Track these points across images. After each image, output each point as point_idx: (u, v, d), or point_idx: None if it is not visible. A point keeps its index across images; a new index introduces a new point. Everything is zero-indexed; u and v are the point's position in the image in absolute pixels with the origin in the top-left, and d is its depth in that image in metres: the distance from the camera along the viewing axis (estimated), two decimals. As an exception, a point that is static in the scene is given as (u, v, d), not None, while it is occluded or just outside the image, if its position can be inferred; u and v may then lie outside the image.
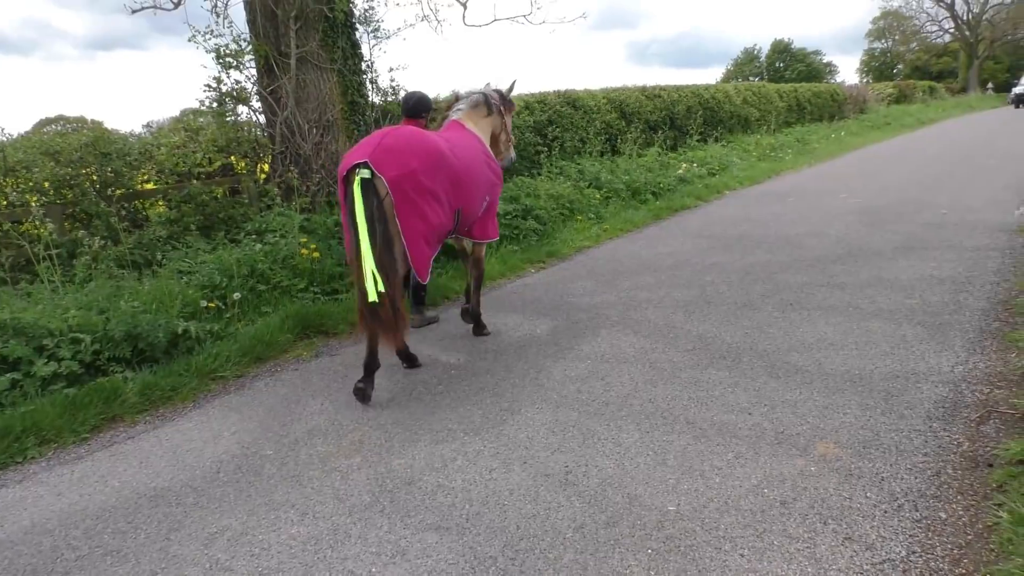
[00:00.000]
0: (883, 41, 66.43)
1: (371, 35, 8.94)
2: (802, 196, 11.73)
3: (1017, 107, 37.80)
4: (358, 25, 8.71)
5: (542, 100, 12.28)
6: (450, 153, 4.82)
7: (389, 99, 9.23)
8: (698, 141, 16.40)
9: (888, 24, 63.17)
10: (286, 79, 8.06)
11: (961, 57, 58.56)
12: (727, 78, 63.55)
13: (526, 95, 12.38)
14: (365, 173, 4.41)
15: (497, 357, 5.21)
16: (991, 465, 3.21)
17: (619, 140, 13.61)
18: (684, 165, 13.40)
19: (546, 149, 11.44)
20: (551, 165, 11.21)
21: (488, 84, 6.02)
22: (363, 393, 4.56)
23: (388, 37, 9.03)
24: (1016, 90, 39.48)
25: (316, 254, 6.73)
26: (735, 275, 6.96)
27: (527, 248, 8.52)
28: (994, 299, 5.51)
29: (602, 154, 12.90)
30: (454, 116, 5.61)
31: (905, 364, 4.41)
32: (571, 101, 12.81)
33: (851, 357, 4.60)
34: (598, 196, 10.68)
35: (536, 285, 7.32)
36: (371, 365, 4.61)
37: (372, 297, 4.27)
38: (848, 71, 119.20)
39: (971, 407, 3.79)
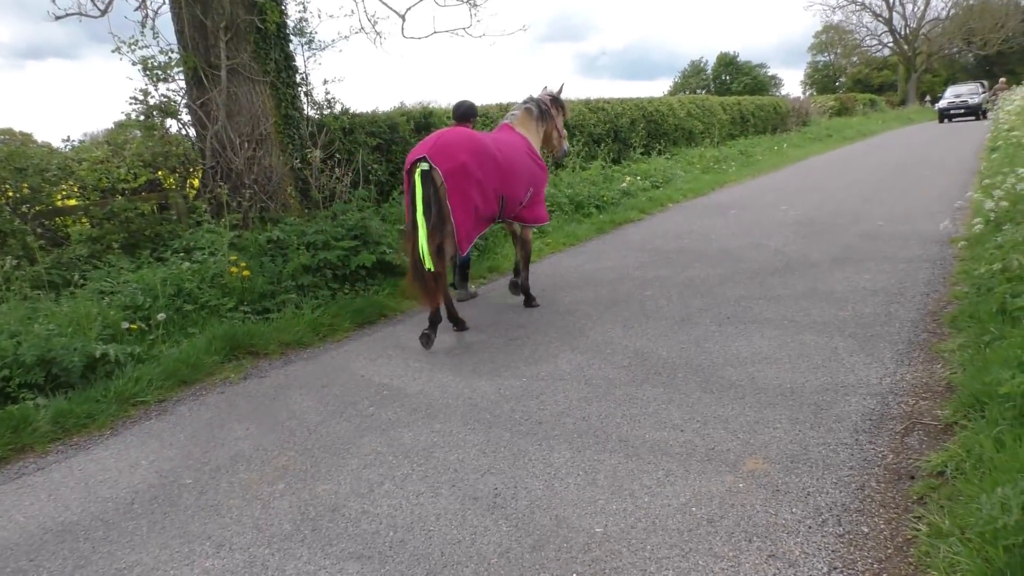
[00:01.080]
0: (826, 54, 68.41)
1: (305, 47, 8.87)
2: (744, 208, 11.96)
3: (942, 122, 35.70)
4: (292, 36, 8.63)
5: (484, 114, 12.30)
6: (495, 148, 5.96)
7: (325, 112, 9.15)
8: (642, 154, 16.63)
9: (830, 38, 65.06)
10: (216, 92, 7.93)
11: (900, 70, 60.58)
12: (675, 90, 64.75)
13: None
14: (424, 166, 5.59)
15: (431, 376, 5.17)
16: (913, 477, 3.28)
17: (563, 153, 13.71)
18: (628, 178, 13.56)
19: (488, 162, 11.44)
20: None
21: (545, 87, 7.33)
22: (428, 339, 5.76)
23: (323, 48, 8.97)
24: (939, 104, 37.16)
25: (247, 272, 6.62)
26: (674, 289, 7.04)
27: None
28: (923, 310, 5.66)
29: (546, 167, 12.97)
30: (506, 120, 6.94)
31: (835, 377, 4.50)
32: (514, 114, 12.83)
33: (784, 371, 4.68)
34: (541, 210, 10.71)
35: (476, 301, 7.30)
36: (435, 317, 5.80)
37: (429, 265, 5.47)
38: (792, 84, 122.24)
39: (897, 419, 3.88)
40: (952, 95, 37.03)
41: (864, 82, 63.16)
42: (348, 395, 4.92)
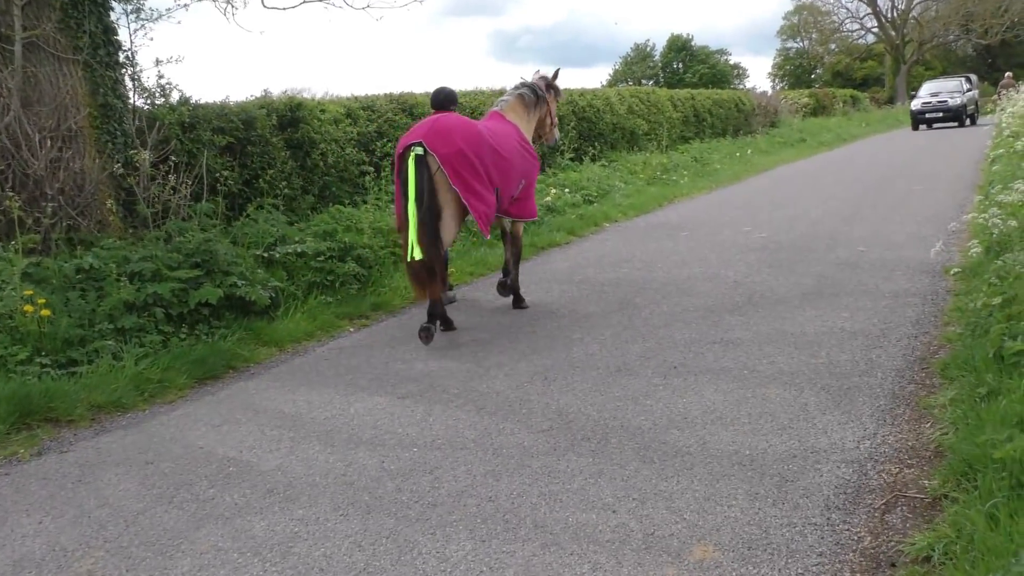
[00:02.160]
0: (798, 40, 71.54)
1: (132, 16, 8.78)
2: (698, 229, 12.32)
3: (916, 128, 35.22)
4: (113, 2, 8.53)
5: (369, 106, 12.37)
6: (489, 136, 7.31)
7: (158, 102, 9.04)
8: (571, 160, 16.95)
9: (803, 20, 68.16)
10: (8, 72, 7.75)
11: (887, 62, 63.81)
12: (614, 81, 66.39)
13: (347, 99, 12.44)
14: (419, 150, 6.86)
15: (294, 446, 5.11)
16: (894, 564, 3.41)
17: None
18: (553, 191, 13.80)
19: (373, 170, 11.48)
20: (380, 190, 11.26)
21: (537, 72, 8.71)
22: (427, 333, 6.98)
23: (156, 19, 8.90)
24: (913, 105, 36.47)
25: (46, 311, 6.43)
26: (609, 331, 7.17)
27: (345, 299, 8.48)
28: (910, 356, 5.93)
29: (448, 176, 13.09)
30: (496, 107, 8.26)
31: (804, 440, 4.66)
32: (408, 108, 12.97)
33: (741, 433, 4.81)
34: (442, 230, 10.80)
35: (355, 348, 7.28)
36: (434, 310, 7.10)
37: (417, 255, 6.79)
38: (759, 75, 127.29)
39: (876, 492, 4.04)
40: (928, 94, 36.50)
41: (845, 75, 66.19)
42: (181, 474, 4.81)
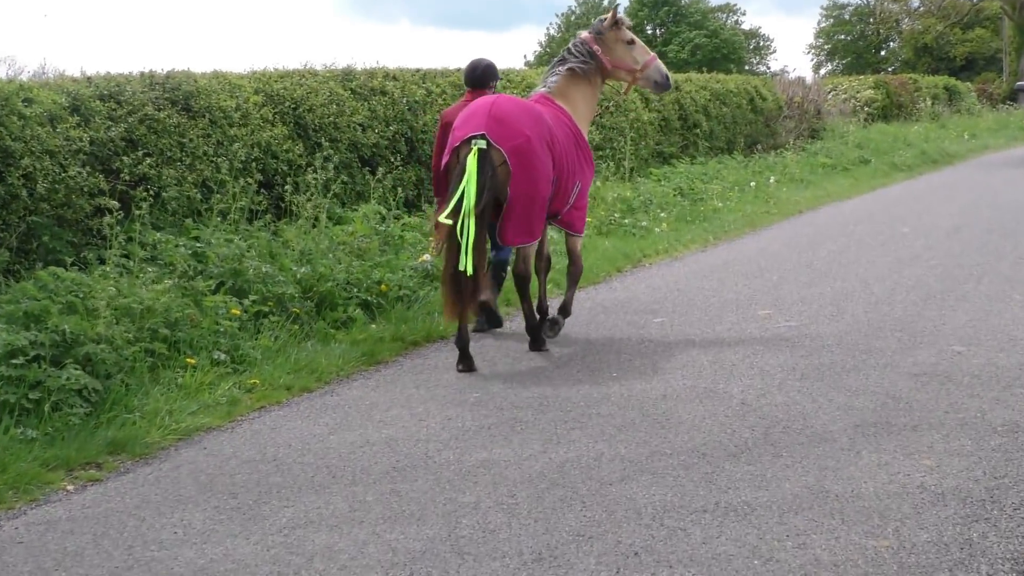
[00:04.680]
0: (859, -7, 73.39)
1: None
2: (682, 313, 12.56)
3: None
4: None
5: (114, 94, 12.29)
6: (551, 123, 10.18)
7: None
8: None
9: (867, -42, 69.98)
10: None
11: (1006, 30, 65.61)
12: (547, 54, 67.14)
13: (75, 81, 12.40)
14: (482, 144, 9.56)
15: None
16: None
17: (290, 184, 13.86)
18: (432, 247, 13.79)
19: (118, 205, 11.31)
20: (128, 241, 11.11)
21: (578, 35, 11.31)
22: (469, 364, 10.26)
23: None
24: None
25: None
26: (522, 490, 7.17)
27: (62, 434, 8.29)
28: (1034, 537, 6.06)
29: (252, 216, 13.06)
30: (541, 88, 11.05)
31: None
32: (181, 98, 12.94)
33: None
34: (236, 312, 10.71)
35: (77, 522, 7.08)
36: (464, 341, 10.24)
37: (469, 268, 9.57)
38: (794, 49, 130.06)
39: None
40: None
41: (936, 52, 68.00)
42: None
